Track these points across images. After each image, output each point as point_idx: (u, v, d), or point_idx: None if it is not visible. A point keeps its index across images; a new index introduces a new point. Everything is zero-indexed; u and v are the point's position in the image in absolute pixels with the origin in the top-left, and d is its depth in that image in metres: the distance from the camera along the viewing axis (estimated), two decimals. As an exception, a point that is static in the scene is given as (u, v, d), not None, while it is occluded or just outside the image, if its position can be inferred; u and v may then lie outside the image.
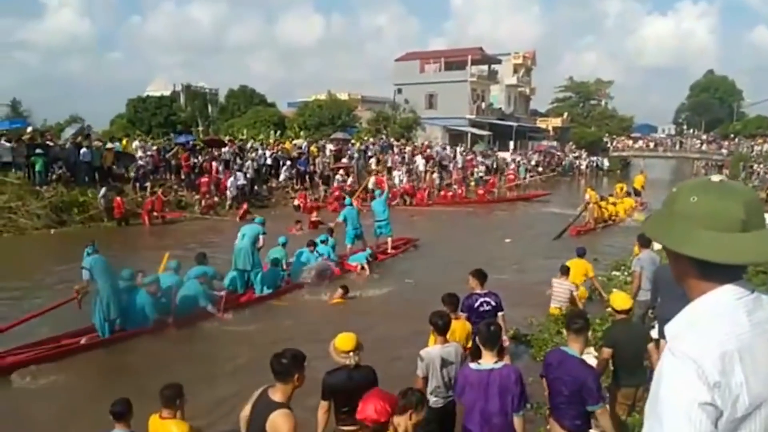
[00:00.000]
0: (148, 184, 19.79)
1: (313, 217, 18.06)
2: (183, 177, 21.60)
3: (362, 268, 12.02)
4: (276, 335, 8.03)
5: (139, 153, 21.29)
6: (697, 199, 1.39)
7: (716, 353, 1.29)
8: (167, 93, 49.79)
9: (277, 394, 3.31)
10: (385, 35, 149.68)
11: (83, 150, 19.05)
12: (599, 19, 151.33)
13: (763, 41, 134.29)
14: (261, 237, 10.33)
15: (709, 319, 1.35)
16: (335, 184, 24.38)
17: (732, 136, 54.88)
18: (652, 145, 52.62)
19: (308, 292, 10.43)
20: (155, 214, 18.47)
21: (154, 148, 22.46)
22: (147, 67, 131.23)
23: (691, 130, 67.84)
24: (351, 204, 14.12)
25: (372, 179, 24.51)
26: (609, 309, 5.92)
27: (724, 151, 47.35)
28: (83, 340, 7.64)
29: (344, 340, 4.36)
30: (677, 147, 52.80)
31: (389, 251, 13.76)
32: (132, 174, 20.11)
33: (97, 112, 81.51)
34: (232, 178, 21.16)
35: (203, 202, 20.39)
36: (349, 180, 24.81)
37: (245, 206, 20.01)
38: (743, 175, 36.86)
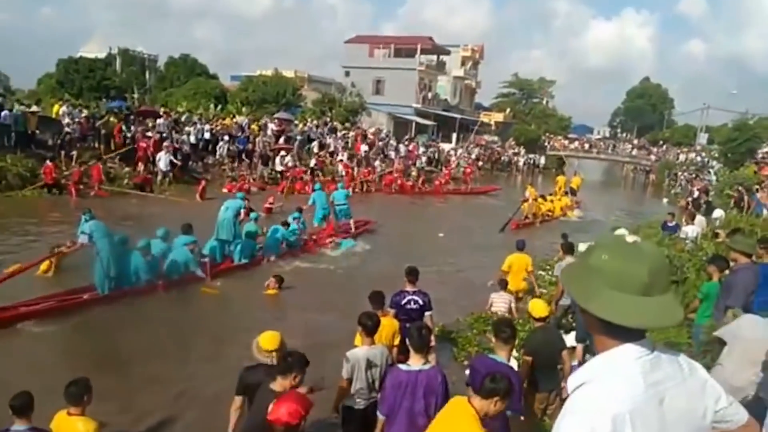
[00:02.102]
0: (74, 153, 18.73)
1: (268, 202, 17.41)
2: (114, 147, 20.58)
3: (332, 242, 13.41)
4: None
5: (66, 119, 20.02)
6: (607, 258, 1.43)
7: (609, 415, 1.33)
8: (102, 55, 47.17)
9: (277, 386, 3.73)
10: (337, 15, 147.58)
11: (4, 113, 17.79)
12: (547, 19, 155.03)
13: (695, 54, 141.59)
14: (242, 210, 11.24)
15: (607, 378, 1.40)
16: (278, 167, 23.95)
17: (661, 142, 57.72)
18: (587, 146, 54.59)
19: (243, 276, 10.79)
20: (94, 186, 17.63)
21: (83, 114, 21.18)
22: (82, 26, 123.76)
23: (625, 134, 70.90)
24: (320, 188, 15.58)
25: (340, 167, 25.47)
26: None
27: (652, 157, 49.73)
28: (86, 296, 8.40)
29: (268, 339, 4.32)
30: (610, 150, 55.06)
31: (352, 231, 14.94)
32: (57, 141, 18.94)
33: (24, 70, 76.17)
34: (162, 153, 20.22)
35: (139, 173, 19.53)
36: (289, 161, 24.37)
37: (203, 183, 19.31)
38: (667, 182, 38.92)
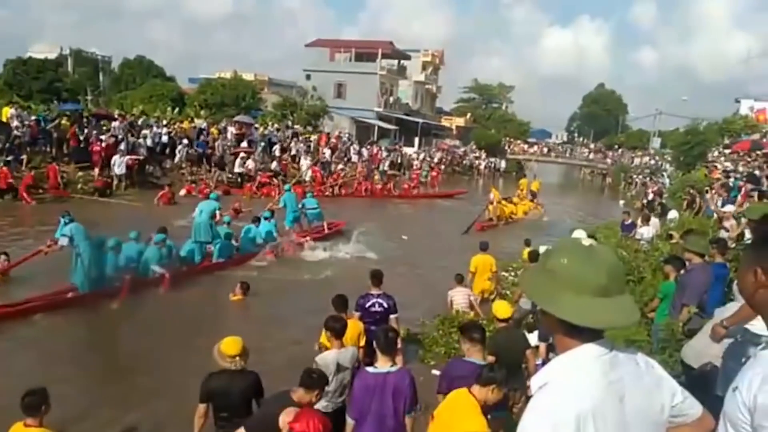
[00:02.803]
0: (24, 156, 18.00)
1: (234, 206, 17.00)
2: (66, 151, 19.87)
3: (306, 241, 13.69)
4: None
5: (15, 122, 19.22)
6: (566, 262, 1.49)
7: (572, 413, 1.38)
8: (53, 56, 45.65)
9: (295, 396, 3.82)
10: (298, 18, 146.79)
11: (-54, 115, 16.98)
12: (506, 26, 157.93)
13: (647, 62, 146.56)
14: (218, 212, 11.50)
15: (569, 378, 1.45)
16: (237, 169, 23.60)
17: (616, 146, 59.38)
18: (545, 150, 55.71)
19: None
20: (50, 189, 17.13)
21: (33, 117, 20.39)
22: (31, 25, 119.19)
23: (582, 138, 72.66)
24: (290, 189, 15.74)
25: (309, 172, 25.64)
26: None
27: (608, 160, 51.09)
28: (69, 295, 8.82)
29: (229, 344, 4.29)
30: (568, 154, 56.34)
31: (325, 231, 15.43)
32: (5, 145, 18.16)
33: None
34: (117, 157, 19.62)
35: (94, 177, 18.97)
36: (250, 164, 24.05)
37: (168, 189, 18.83)
38: (623, 185, 40.07)
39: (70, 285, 8.95)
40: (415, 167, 34.51)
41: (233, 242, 12.04)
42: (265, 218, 13.39)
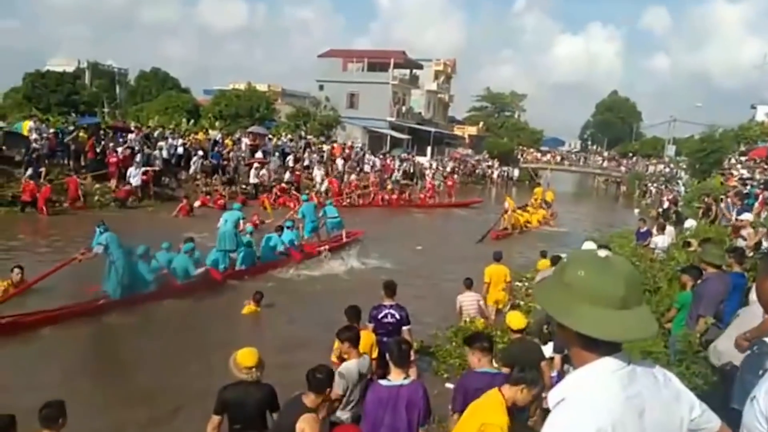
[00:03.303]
0: (42, 169, 18.29)
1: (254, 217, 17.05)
2: (84, 163, 20.16)
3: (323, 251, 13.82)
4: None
5: (34, 135, 19.56)
6: (584, 274, 1.47)
7: (591, 429, 1.36)
8: (70, 69, 46.40)
9: (308, 401, 3.86)
10: (310, 29, 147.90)
11: (-32, 128, 17.31)
12: (517, 34, 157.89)
13: (660, 68, 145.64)
14: (242, 221, 11.96)
15: (587, 392, 1.42)
16: (252, 179, 23.81)
17: (630, 154, 58.92)
18: (558, 158, 55.43)
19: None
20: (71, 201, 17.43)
21: (51, 130, 20.73)
22: (50, 39, 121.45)
23: (595, 146, 72.24)
24: (307, 200, 16.16)
25: (326, 183, 26.07)
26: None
27: (623, 168, 50.72)
28: (101, 301, 9.15)
29: (246, 356, 4.29)
30: (581, 162, 56.02)
31: (344, 240, 15.60)
32: (23, 157, 18.46)
33: (-12, 84, 74.34)
34: (132, 168, 19.87)
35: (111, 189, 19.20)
36: (264, 174, 24.26)
37: (186, 202, 18.94)
38: (638, 193, 39.72)
39: (102, 292, 9.26)
40: (428, 177, 34.55)
41: (254, 250, 12.35)
42: (287, 227, 13.74)
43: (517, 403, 3.56)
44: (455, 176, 37.75)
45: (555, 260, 8.34)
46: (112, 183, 19.69)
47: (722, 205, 16.02)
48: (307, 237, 14.81)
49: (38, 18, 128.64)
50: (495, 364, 6.94)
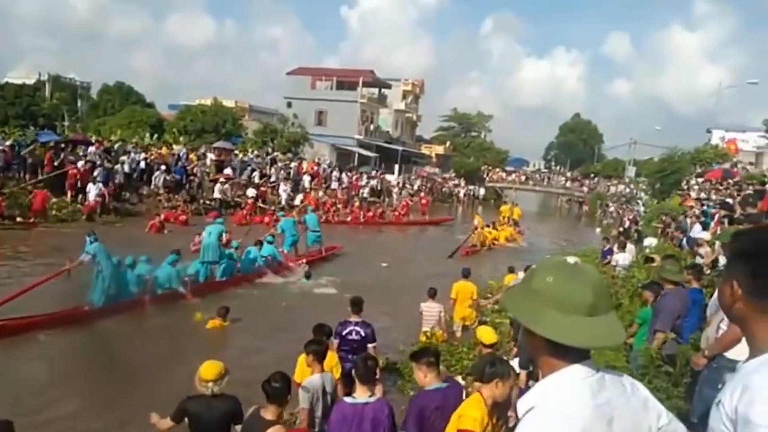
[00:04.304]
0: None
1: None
2: (41, 177, 19.53)
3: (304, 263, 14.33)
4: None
5: (-12, 147, 18.92)
6: (552, 280, 1.45)
7: None
8: (31, 82, 45.27)
9: (268, 414, 3.73)
10: (279, 46, 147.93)
11: None
12: (484, 57, 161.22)
13: (621, 93, 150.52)
14: (224, 234, 12.30)
15: (557, 399, 1.40)
16: (216, 194, 23.48)
17: (592, 175, 60.40)
18: (523, 178, 56.41)
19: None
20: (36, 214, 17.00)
21: (7, 143, 20.08)
22: (10, 50, 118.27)
23: (559, 167, 73.82)
24: (284, 215, 16.85)
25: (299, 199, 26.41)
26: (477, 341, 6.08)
27: (585, 188, 51.91)
28: (86, 308, 9.42)
29: (205, 369, 4.24)
30: (545, 182, 57.12)
31: (322, 254, 16.07)
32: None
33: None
34: (91, 185, 19.32)
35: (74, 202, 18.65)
36: (228, 190, 23.95)
37: (158, 219, 18.48)
38: (600, 212, 40.63)
39: (88, 300, 9.53)
40: (395, 194, 34.72)
41: (235, 263, 12.78)
42: (268, 242, 14.14)
43: (497, 399, 3.57)
44: (430, 197, 38.01)
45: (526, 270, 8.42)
46: (67, 197, 19.09)
47: (688, 221, 16.40)
48: (287, 251, 15.04)
49: (1, 29, 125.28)
50: (462, 381, 6.95)
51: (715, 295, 4.54)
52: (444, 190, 44.96)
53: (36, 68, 52.77)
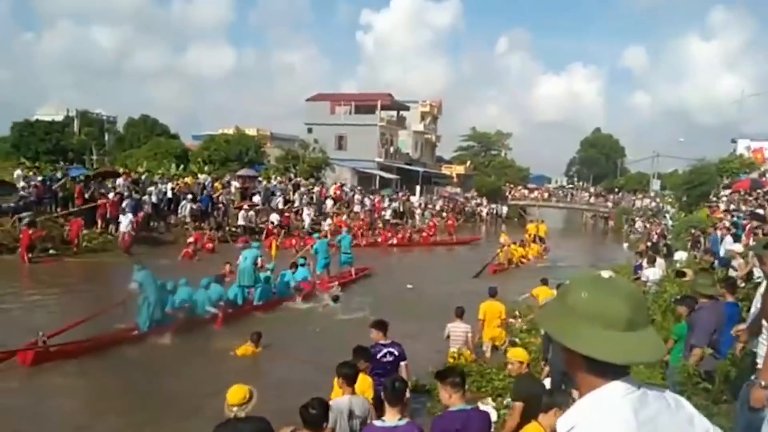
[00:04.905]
0: (28, 216, 18.06)
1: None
2: (71, 209, 20.02)
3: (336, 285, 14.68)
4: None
5: (22, 183, 19.48)
6: (587, 296, 1.42)
7: None
8: (59, 118, 46.69)
9: None
10: (298, 73, 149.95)
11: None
12: (500, 75, 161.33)
13: (641, 105, 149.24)
14: (260, 259, 12.70)
15: (599, 418, 1.36)
16: (240, 221, 23.79)
17: (616, 190, 59.68)
18: (546, 195, 55.94)
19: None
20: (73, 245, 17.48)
21: (39, 178, 20.68)
22: (40, 88, 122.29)
23: (581, 183, 73.11)
24: (319, 237, 17.66)
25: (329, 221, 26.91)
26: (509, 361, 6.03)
27: (609, 204, 51.25)
28: (134, 332, 9.95)
29: (232, 393, 4.24)
30: (568, 198, 56.53)
31: (352, 277, 16.44)
32: (10, 205, 18.31)
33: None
34: (122, 216, 19.71)
35: (124, 237, 19.12)
36: (252, 216, 24.26)
37: (191, 247, 18.98)
38: (626, 227, 40.05)
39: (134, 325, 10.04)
40: (418, 215, 34.82)
41: (271, 286, 13.13)
42: (301, 265, 14.54)
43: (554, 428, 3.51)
44: (443, 213, 37.99)
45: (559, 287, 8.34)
46: (99, 228, 19.50)
47: (717, 234, 16.07)
48: (319, 272, 15.49)
49: (28, 68, 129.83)
50: (492, 402, 6.86)
51: (753, 308, 4.43)
52: (466, 209, 44.83)
53: (64, 104, 54.55)
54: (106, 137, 48.79)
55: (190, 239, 19.85)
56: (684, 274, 9.35)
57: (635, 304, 1.42)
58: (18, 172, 20.21)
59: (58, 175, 22.32)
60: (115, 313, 10.23)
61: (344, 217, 29.11)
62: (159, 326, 10.10)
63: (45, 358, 8.49)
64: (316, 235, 18.65)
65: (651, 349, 1.41)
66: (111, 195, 20.73)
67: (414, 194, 43.70)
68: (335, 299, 13.43)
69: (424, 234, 29.04)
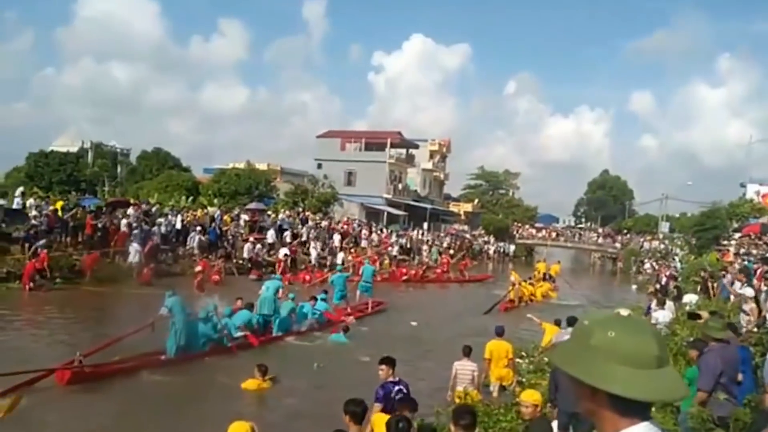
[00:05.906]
0: (33, 244, 18.20)
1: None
2: (81, 239, 20.17)
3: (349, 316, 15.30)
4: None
5: (33, 212, 19.69)
6: (615, 335, 1.40)
7: None
8: (74, 149, 47.48)
9: None
10: (309, 111, 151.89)
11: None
12: (509, 116, 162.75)
13: (648, 148, 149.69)
14: (281, 289, 13.38)
15: None
16: (246, 254, 23.84)
17: (624, 231, 59.45)
18: (554, 234, 55.79)
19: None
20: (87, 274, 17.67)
21: (51, 207, 20.91)
22: (56, 120, 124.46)
23: (589, 223, 72.96)
24: (340, 270, 18.24)
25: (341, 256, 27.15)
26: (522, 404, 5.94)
27: (617, 245, 50.98)
28: (162, 357, 10.26)
29: (232, 430, 4.12)
30: (576, 238, 56.34)
31: (368, 311, 16.86)
32: (21, 234, 18.46)
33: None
34: (130, 246, 19.87)
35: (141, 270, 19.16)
36: (259, 249, 24.34)
37: (200, 276, 18.98)
38: (635, 269, 39.76)
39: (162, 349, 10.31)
40: (425, 252, 34.80)
41: (290, 317, 13.37)
42: (322, 299, 15.04)
43: None
44: (463, 254, 37.95)
45: (572, 321, 8.24)
46: (110, 257, 19.58)
47: (724, 280, 15.97)
48: (336, 303, 16.10)
49: (48, 100, 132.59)
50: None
51: None
52: (473, 247, 44.72)
53: (80, 136, 55.55)
54: (119, 169, 49.41)
55: (198, 268, 19.86)
56: (698, 317, 9.24)
57: (661, 342, 1.41)
58: (30, 200, 20.44)
59: (70, 205, 22.55)
60: (143, 335, 10.42)
61: (351, 252, 29.10)
62: (185, 353, 10.46)
63: (81, 379, 8.85)
64: (339, 267, 19.46)
65: (678, 386, 1.40)
66: (122, 225, 20.87)
67: (421, 230, 43.75)
68: (345, 330, 13.38)
69: (438, 271, 29.27)
